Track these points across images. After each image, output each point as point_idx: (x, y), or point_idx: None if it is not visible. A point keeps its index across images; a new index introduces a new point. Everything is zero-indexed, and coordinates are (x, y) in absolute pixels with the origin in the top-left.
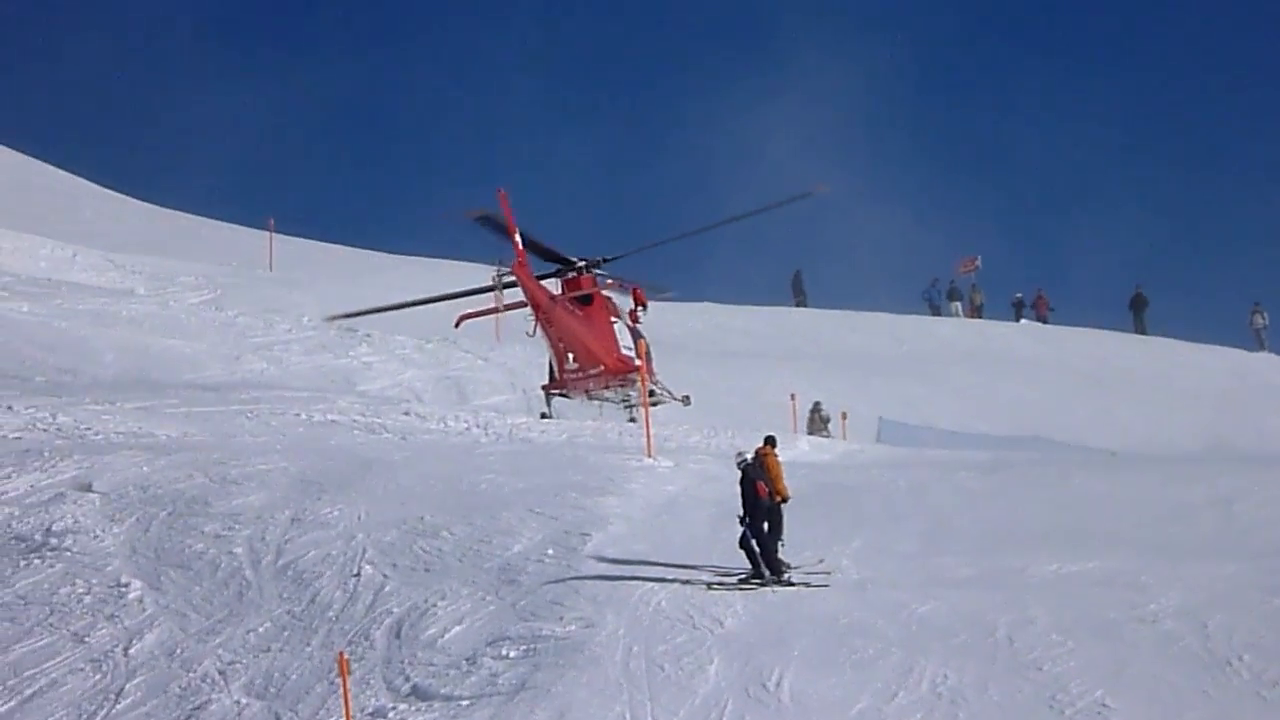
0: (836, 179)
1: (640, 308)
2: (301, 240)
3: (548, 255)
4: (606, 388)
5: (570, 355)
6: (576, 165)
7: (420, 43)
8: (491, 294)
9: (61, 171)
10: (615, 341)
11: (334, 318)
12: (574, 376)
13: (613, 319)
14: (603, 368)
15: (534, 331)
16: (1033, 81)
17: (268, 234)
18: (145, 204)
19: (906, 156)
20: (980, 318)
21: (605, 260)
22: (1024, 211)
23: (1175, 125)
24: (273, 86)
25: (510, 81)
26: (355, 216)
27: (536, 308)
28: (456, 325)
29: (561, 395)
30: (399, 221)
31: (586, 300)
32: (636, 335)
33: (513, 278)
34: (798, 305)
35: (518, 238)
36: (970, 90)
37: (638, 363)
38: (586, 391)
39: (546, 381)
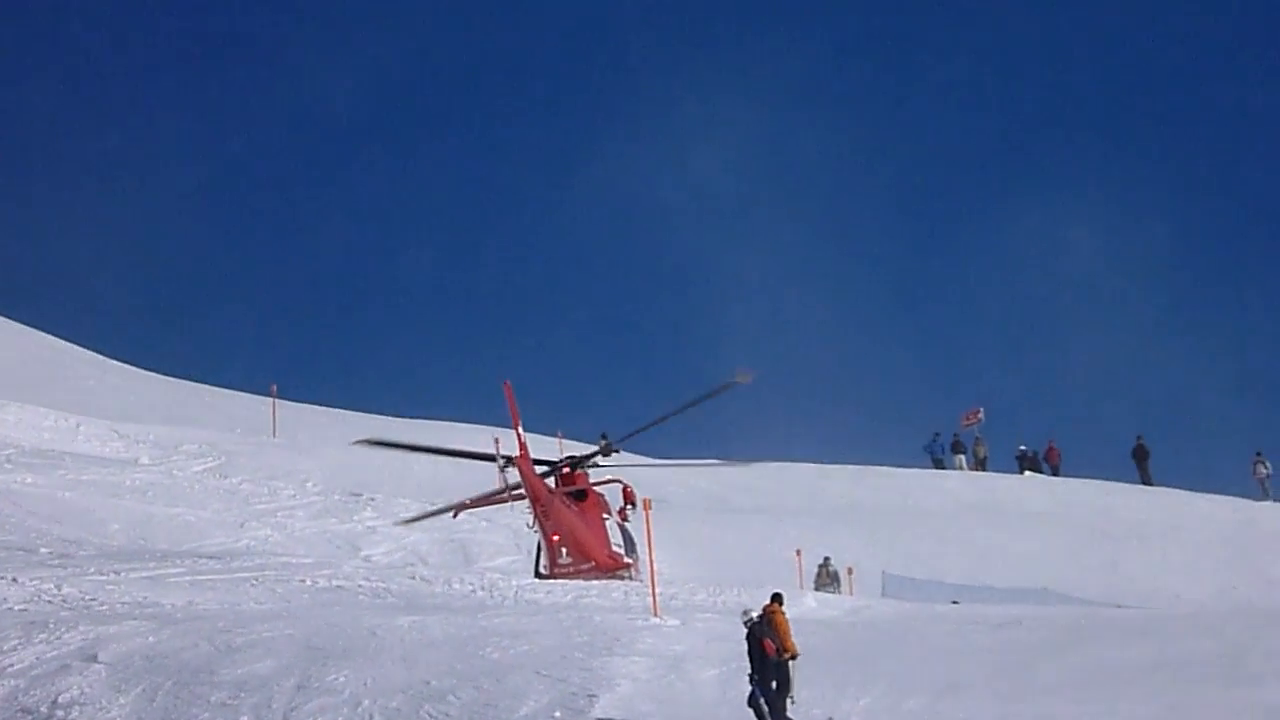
0: (836, 333)
1: (629, 505)
2: (304, 406)
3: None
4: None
5: (564, 549)
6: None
7: (414, 210)
8: (492, 472)
9: (64, 342)
10: (607, 538)
11: (364, 442)
12: (565, 571)
13: (604, 516)
14: (594, 563)
15: (533, 524)
16: (1027, 222)
17: (271, 400)
18: (148, 372)
19: (905, 312)
20: (985, 471)
21: (589, 458)
22: (1024, 364)
23: (1169, 275)
24: (273, 254)
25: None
26: (357, 381)
27: (536, 501)
28: (454, 516)
29: None
30: (402, 386)
31: (581, 495)
32: (625, 533)
33: (515, 472)
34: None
35: (520, 430)
36: (965, 244)
37: (627, 560)
38: None
39: (533, 574)
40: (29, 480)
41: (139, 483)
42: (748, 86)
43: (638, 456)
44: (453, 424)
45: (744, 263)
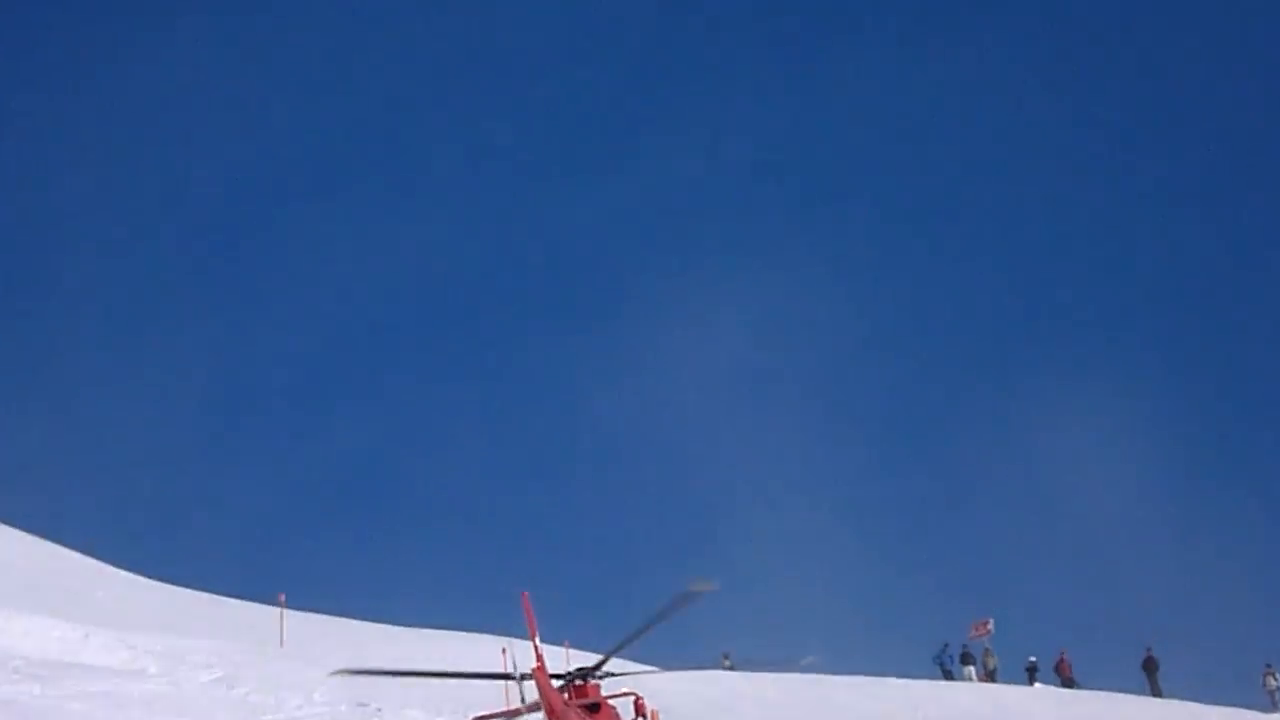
0: (843, 540)
1: (640, 718)
2: (311, 615)
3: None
4: None
5: None
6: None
7: (421, 413)
8: (504, 681)
9: (75, 553)
10: None
11: (341, 672)
12: None
13: None
14: None
15: None
16: (1034, 432)
17: (279, 609)
18: (155, 581)
19: (914, 522)
20: (994, 682)
21: (595, 670)
22: (1034, 575)
23: (1176, 487)
24: (279, 464)
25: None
26: (365, 589)
27: (552, 714)
28: None
29: None
30: (410, 593)
31: (595, 708)
32: None
33: (531, 680)
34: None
35: (537, 641)
36: (970, 455)
37: None
38: None
39: None
40: (36, 691)
41: (146, 694)
42: (746, 290)
43: (638, 664)
44: (461, 633)
45: (748, 466)
